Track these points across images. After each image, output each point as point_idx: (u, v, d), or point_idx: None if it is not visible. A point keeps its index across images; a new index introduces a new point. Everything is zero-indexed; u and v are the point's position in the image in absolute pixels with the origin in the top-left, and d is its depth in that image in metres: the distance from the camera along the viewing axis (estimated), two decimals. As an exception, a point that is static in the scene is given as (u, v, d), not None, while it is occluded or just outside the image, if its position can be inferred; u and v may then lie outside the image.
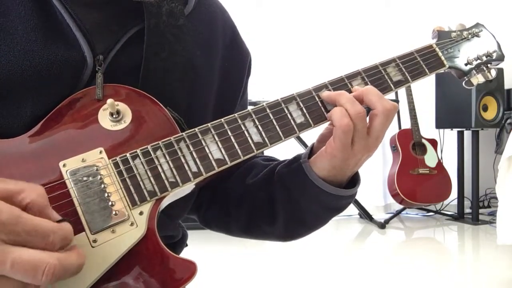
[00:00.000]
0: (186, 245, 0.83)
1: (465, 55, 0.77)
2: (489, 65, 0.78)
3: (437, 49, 0.75)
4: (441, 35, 0.77)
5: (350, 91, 0.67)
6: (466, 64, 0.77)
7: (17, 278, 0.41)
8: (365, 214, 3.69)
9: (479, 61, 0.77)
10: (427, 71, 0.73)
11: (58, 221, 0.45)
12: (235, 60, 0.79)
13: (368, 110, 0.65)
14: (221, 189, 0.79)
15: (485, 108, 3.56)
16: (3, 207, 0.41)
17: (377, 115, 0.64)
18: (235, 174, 0.79)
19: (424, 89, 3.81)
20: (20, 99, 0.59)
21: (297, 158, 0.71)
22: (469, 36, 0.78)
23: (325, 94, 0.66)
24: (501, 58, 0.77)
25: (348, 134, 0.62)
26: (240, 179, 0.78)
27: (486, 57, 0.77)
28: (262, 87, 3.55)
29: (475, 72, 0.77)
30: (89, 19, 0.63)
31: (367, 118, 0.65)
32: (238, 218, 0.79)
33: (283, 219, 0.73)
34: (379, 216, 3.79)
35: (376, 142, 0.66)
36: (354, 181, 0.71)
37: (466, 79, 0.78)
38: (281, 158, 0.79)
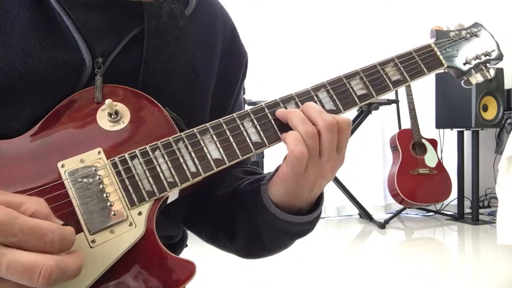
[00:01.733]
0: (186, 246, 0.83)
1: (463, 54, 0.76)
2: (488, 64, 0.77)
3: (435, 48, 0.75)
4: (440, 34, 0.77)
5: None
6: (464, 64, 0.76)
7: (13, 280, 0.41)
8: (365, 214, 3.69)
9: (477, 60, 0.77)
10: (425, 70, 0.72)
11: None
12: (232, 62, 0.79)
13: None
14: (193, 195, 0.76)
15: (485, 108, 3.56)
16: (0, 209, 0.41)
17: (320, 131, 0.60)
18: (208, 183, 0.75)
19: (424, 89, 3.81)
20: (19, 101, 0.59)
21: (260, 179, 0.69)
22: (468, 35, 0.78)
23: (278, 112, 0.63)
24: (500, 57, 0.77)
25: (301, 162, 0.59)
26: (211, 189, 0.75)
27: (485, 57, 0.77)
28: (262, 87, 3.55)
29: (473, 72, 0.77)
30: (89, 21, 0.63)
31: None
32: (205, 228, 0.78)
33: (243, 238, 0.71)
34: (379, 216, 3.79)
35: (328, 163, 0.62)
36: (317, 205, 0.68)
37: (465, 79, 0.77)
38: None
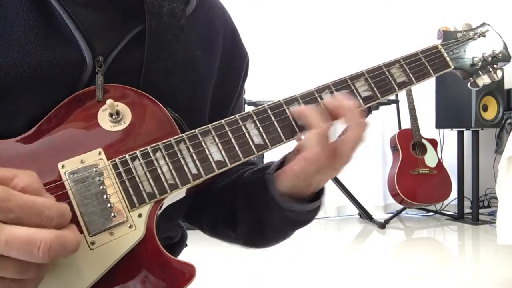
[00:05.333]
0: (186, 246, 0.83)
1: (470, 55, 0.75)
2: (495, 65, 0.76)
3: (442, 49, 0.74)
4: (447, 35, 0.76)
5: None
6: (471, 65, 0.75)
7: (13, 256, 0.41)
8: (365, 214, 3.69)
9: (485, 61, 0.76)
10: (431, 72, 0.71)
11: None
12: (233, 63, 0.78)
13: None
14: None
15: (485, 108, 3.56)
16: None
17: (351, 128, 0.60)
18: None
19: (424, 89, 3.81)
20: (19, 100, 0.58)
21: (265, 168, 0.69)
22: (475, 36, 0.77)
23: (294, 109, 0.63)
24: (507, 59, 0.76)
25: (315, 165, 0.59)
26: (211, 179, 0.76)
27: (492, 58, 0.76)
28: (262, 87, 3.55)
29: (480, 73, 0.76)
30: (89, 20, 0.63)
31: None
32: (206, 221, 0.78)
33: (244, 226, 0.71)
34: (379, 216, 3.79)
35: (341, 161, 0.61)
36: (320, 192, 0.68)
37: (472, 80, 0.76)
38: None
